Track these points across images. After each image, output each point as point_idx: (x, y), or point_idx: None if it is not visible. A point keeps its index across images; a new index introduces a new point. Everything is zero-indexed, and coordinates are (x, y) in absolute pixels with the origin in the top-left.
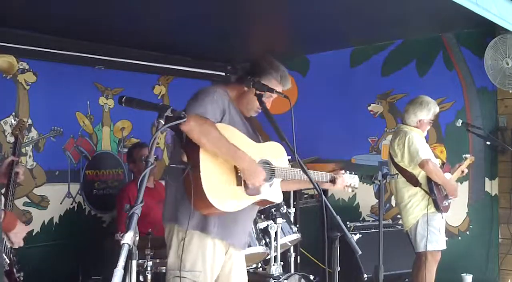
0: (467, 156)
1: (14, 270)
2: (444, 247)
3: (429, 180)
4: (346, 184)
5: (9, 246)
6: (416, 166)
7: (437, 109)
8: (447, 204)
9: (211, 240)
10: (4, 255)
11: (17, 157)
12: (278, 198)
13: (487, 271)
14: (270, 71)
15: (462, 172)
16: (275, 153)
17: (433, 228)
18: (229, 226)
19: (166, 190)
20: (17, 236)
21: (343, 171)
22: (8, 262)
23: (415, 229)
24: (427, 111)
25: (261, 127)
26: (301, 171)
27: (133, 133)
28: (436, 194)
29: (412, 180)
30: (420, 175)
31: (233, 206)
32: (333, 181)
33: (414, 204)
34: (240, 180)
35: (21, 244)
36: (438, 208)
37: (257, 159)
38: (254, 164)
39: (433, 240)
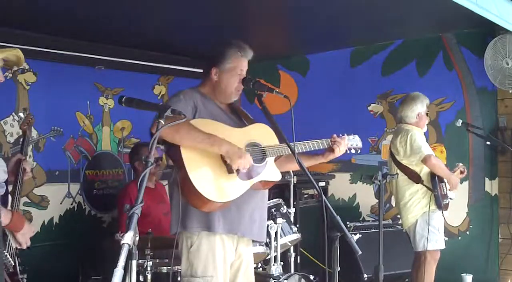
0: (460, 164)
1: (18, 271)
2: (443, 246)
3: (432, 176)
4: (348, 145)
5: (14, 247)
6: (419, 162)
7: (427, 100)
8: (446, 202)
9: (220, 239)
10: (9, 256)
11: (24, 155)
12: (276, 176)
13: (487, 271)
14: (227, 50)
15: (462, 172)
16: (262, 133)
17: (432, 227)
18: (234, 218)
19: (171, 201)
20: (25, 236)
21: (341, 135)
22: (13, 264)
23: (414, 228)
24: (421, 103)
25: (248, 115)
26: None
27: (133, 133)
28: (438, 190)
29: (414, 177)
30: (422, 172)
31: (230, 195)
32: (331, 148)
33: (414, 202)
34: (229, 167)
35: (29, 243)
36: (439, 205)
37: (243, 142)
38: (234, 146)
39: (433, 239)
